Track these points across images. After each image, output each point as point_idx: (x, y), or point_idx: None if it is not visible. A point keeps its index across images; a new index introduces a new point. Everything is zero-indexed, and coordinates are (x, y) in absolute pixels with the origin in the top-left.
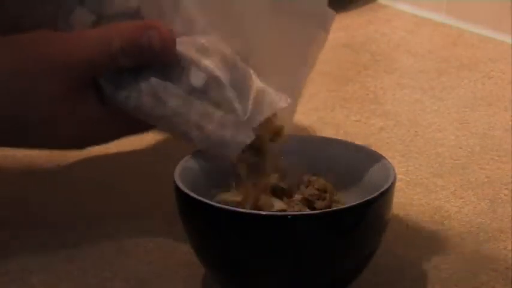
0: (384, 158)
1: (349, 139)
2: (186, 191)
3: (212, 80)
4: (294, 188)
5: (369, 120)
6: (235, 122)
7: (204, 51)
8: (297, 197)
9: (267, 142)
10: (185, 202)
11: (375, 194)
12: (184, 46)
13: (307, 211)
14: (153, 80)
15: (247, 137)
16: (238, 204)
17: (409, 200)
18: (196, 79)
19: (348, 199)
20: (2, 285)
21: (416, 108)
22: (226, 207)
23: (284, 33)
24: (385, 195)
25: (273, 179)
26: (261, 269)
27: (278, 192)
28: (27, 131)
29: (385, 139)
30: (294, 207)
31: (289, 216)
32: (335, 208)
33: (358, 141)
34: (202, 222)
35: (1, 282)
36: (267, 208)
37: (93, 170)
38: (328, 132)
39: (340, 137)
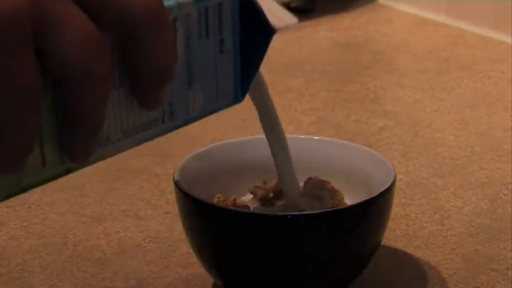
0: (384, 158)
1: (349, 139)
2: (186, 191)
3: None
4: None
5: (369, 120)
6: None
7: None
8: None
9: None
10: (185, 202)
11: (375, 194)
12: None
13: (307, 211)
14: None
15: None
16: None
17: (409, 200)
18: None
19: (348, 199)
20: (2, 285)
21: (417, 108)
22: (226, 207)
23: None
24: (385, 195)
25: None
26: (260, 269)
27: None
28: None
29: (385, 139)
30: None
31: (289, 216)
32: (335, 208)
33: (358, 141)
34: (202, 222)
35: (1, 282)
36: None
37: (93, 170)
38: (328, 132)
39: (340, 137)
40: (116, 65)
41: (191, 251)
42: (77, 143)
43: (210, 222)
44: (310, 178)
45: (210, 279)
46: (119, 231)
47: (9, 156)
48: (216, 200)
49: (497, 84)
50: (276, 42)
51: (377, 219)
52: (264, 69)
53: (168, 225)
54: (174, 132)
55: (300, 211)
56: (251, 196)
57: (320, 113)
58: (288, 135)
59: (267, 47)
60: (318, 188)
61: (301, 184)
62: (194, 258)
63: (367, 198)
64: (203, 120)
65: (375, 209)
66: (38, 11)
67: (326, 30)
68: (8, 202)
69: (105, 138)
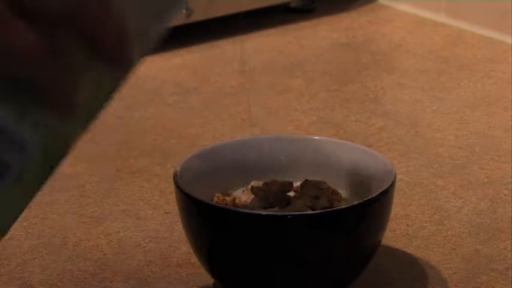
0: (384, 158)
1: (349, 139)
2: (186, 191)
3: None
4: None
5: (369, 120)
6: None
7: None
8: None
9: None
10: (185, 202)
11: (375, 194)
12: None
13: (307, 211)
14: None
15: None
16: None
17: (409, 200)
18: None
19: (348, 199)
20: (2, 285)
21: (417, 108)
22: (226, 207)
23: None
24: (385, 195)
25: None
26: (260, 269)
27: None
28: None
29: (385, 139)
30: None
31: (289, 216)
32: (335, 208)
33: (358, 141)
34: (202, 222)
35: (1, 282)
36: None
37: (93, 170)
38: (328, 132)
39: (340, 137)
40: None
41: (191, 251)
42: (112, 58)
43: (210, 222)
44: (306, 180)
45: (210, 279)
46: (118, 231)
47: (62, 93)
48: (216, 199)
49: (497, 84)
50: (276, 42)
51: (377, 219)
52: (264, 69)
53: (168, 225)
54: (174, 132)
55: (299, 211)
56: (251, 196)
57: (320, 113)
58: (288, 135)
59: None
60: (315, 188)
61: (298, 185)
62: (194, 258)
63: (367, 198)
64: (203, 120)
65: (375, 209)
66: None
67: (326, 30)
68: None
69: (139, 32)
